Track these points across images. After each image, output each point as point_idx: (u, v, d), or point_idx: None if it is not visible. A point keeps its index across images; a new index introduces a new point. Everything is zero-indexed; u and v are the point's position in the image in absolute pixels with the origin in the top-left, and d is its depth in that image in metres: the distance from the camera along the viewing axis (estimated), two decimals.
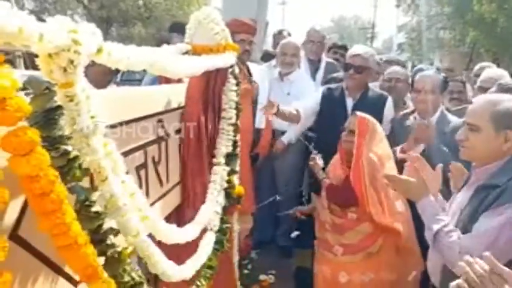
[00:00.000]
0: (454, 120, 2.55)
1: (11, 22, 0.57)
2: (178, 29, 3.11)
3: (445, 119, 2.56)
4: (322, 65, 3.97)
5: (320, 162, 2.73)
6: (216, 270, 1.65)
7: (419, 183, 1.75)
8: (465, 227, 1.57)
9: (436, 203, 1.75)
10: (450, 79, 4.05)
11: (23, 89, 0.65)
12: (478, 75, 3.62)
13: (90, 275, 0.80)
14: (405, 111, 2.76)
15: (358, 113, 2.50)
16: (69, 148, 0.72)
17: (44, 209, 0.68)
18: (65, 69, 0.68)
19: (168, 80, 1.70)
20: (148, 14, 16.45)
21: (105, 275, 0.84)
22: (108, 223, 0.85)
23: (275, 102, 2.86)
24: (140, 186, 1.28)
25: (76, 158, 0.73)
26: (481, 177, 1.62)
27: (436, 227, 1.61)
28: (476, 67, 3.97)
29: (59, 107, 0.70)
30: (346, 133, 2.48)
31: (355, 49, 3.06)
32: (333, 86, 3.27)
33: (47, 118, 0.67)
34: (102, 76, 2.43)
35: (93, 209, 0.78)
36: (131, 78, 9.11)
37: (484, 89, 2.80)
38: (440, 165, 1.88)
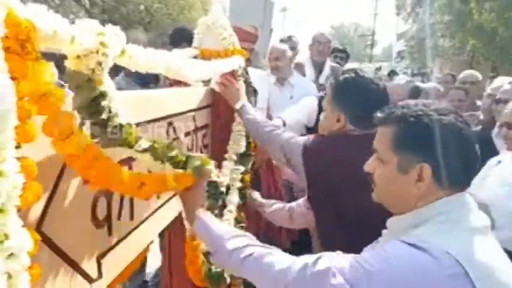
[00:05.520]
0: None
1: (47, 25, 0.59)
2: (181, 35, 3.08)
3: None
4: (327, 68, 4.05)
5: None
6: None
7: None
8: None
9: None
10: (452, 87, 4.07)
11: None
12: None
13: None
14: None
15: None
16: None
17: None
18: (93, 71, 0.70)
19: (177, 83, 1.73)
20: (150, 19, 16.51)
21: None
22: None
23: None
24: None
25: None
26: None
27: None
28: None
29: (103, 93, 0.76)
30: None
31: None
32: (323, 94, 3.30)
33: (95, 104, 0.75)
34: None
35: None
36: None
37: (493, 97, 2.82)
38: None
